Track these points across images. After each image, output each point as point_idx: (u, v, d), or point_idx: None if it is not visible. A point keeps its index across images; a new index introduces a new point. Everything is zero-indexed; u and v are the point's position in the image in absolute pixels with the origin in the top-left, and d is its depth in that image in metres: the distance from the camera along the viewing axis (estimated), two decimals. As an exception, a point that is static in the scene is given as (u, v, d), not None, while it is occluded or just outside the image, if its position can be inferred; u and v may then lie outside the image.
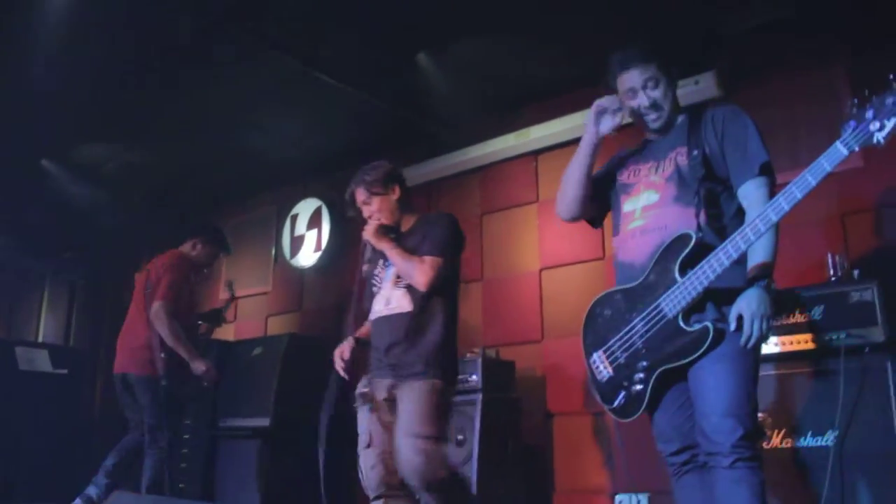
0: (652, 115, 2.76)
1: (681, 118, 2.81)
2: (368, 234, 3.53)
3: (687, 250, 2.49)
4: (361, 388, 3.53)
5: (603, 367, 2.70)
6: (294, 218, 7.17)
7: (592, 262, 5.24)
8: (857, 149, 2.17)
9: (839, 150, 2.19)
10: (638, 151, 2.90)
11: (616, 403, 2.66)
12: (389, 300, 3.46)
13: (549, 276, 5.46)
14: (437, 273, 3.31)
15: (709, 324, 2.45)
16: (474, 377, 4.76)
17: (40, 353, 6.82)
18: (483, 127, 5.86)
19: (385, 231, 3.54)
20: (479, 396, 4.65)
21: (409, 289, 3.40)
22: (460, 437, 4.68)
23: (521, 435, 4.96)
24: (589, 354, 2.77)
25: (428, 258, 3.33)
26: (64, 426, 6.01)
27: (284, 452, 5.54)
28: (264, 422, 5.51)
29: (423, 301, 3.36)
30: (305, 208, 7.06)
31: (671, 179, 2.68)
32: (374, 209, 3.57)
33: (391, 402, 3.35)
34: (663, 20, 4.61)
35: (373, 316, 3.55)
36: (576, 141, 5.22)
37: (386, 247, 3.45)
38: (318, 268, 6.90)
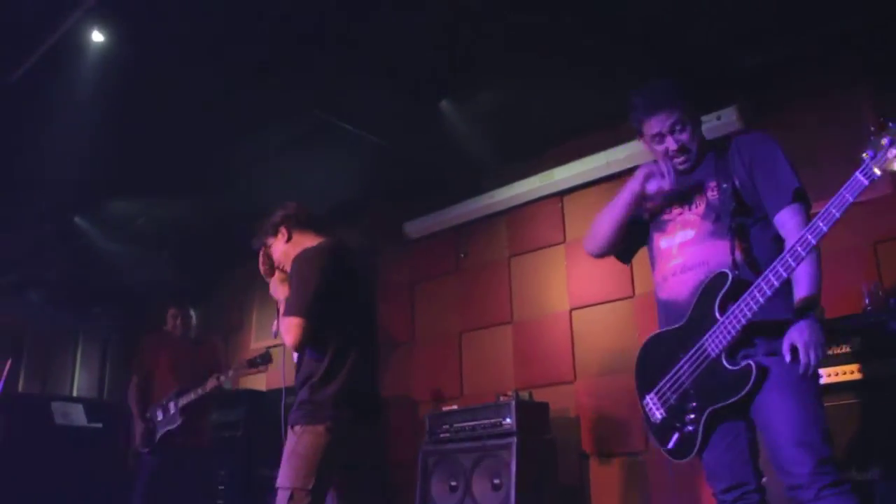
0: (680, 159, 2.75)
1: (709, 152, 2.79)
2: (272, 286, 3.52)
3: (725, 289, 2.48)
4: None
5: (656, 409, 2.68)
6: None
7: (622, 300, 5.23)
8: (876, 177, 2.18)
9: (859, 180, 2.20)
10: (671, 194, 2.86)
11: (671, 445, 2.63)
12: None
13: (579, 316, 5.45)
14: (298, 335, 3.12)
15: (751, 362, 2.41)
16: (508, 420, 4.73)
17: (75, 408, 6.87)
18: (507, 170, 5.91)
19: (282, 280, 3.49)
20: (514, 440, 4.62)
21: None
22: (496, 480, 4.65)
23: (558, 476, 4.91)
24: (642, 397, 2.76)
25: (287, 320, 3.15)
26: (100, 478, 6.01)
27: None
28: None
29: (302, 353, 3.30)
30: (333, 256, 7.09)
31: (706, 217, 2.67)
32: (275, 257, 3.61)
33: None
34: (684, 57, 4.65)
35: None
36: (601, 181, 5.36)
37: (281, 299, 3.37)
38: (347, 315, 6.91)
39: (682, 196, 2.78)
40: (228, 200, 6.71)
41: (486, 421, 4.87)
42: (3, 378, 5.65)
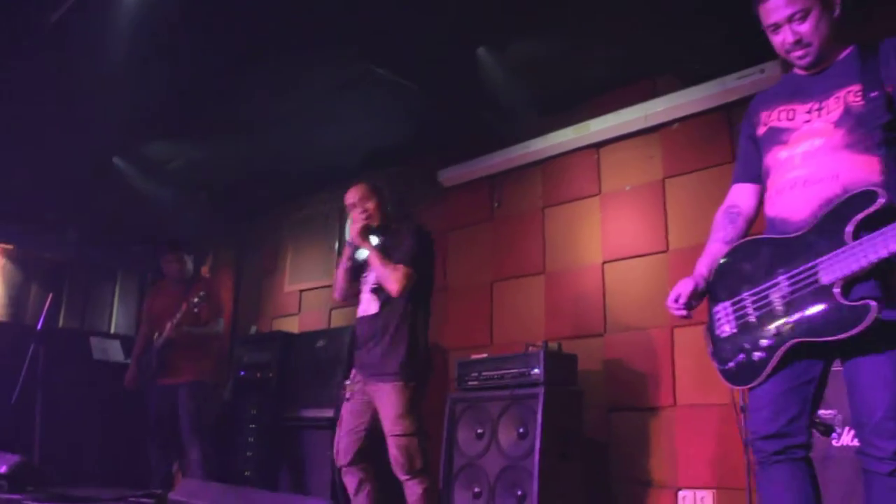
0: (797, 53, 2.39)
1: (847, 51, 2.41)
2: (353, 233, 4.00)
3: (870, 210, 2.10)
4: (349, 381, 4.09)
5: (726, 320, 2.40)
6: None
7: (655, 255, 5.19)
8: None
9: None
10: (786, 89, 2.53)
11: (729, 365, 2.37)
12: (366, 303, 4.04)
13: (611, 269, 5.43)
14: (408, 281, 3.83)
15: (871, 302, 2.05)
16: (537, 370, 4.76)
17: (113, 344, 7.04)
18: (544, 120, 5.85)
19: (369, 233, 4.03)
20: (542, 390, 4.64)
21: (376, 292, 3.98)
22: (522, 429, 4.69)
23: (583, 428, 4.95)
24: (714, 303, 2.47)
25: (401, 267, 3.83)
26: (134, 414, 6.17)
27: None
28: (329, 412, 5.60)
29: (388, 306, 3.93)
30: (368, 202, 7.12)
31: (842, 124, 2.29)
32: (370, 209, 4.08)
33: (364, 398, 3.97)
34: (729, 7, 4.52)
35: (357, 316, 4.12)
36: (636, 133, 5.29)
37: (368, 247, 3.95)
38: (381, 262, 6.96)
39: (808, 98, 2.42)
40: (266, 145, 6.74)
41: (514, 370, 4.90)
42: (45, 312, 5.80)
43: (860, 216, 2.11)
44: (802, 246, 2.23)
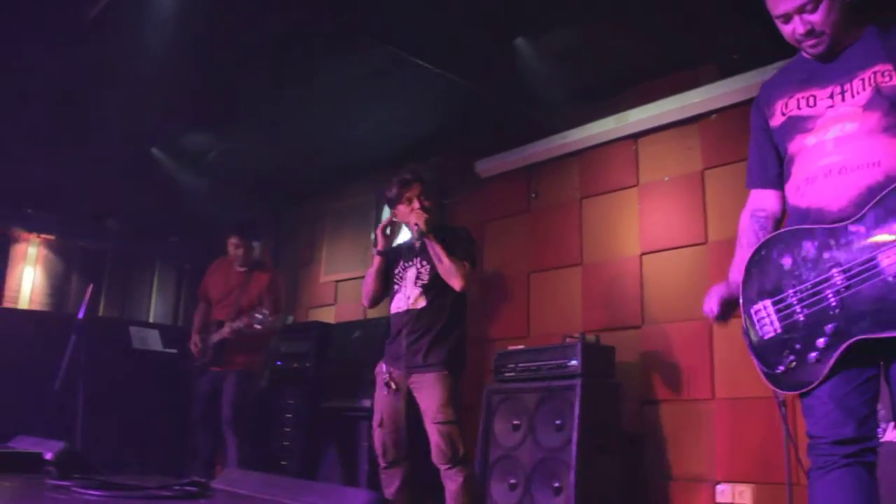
0: (809, 42, 2.29)
1: (865, 31, 2.30)
2: (421, 221, 3.98)
3: None
4: (381, 373, 4.11)
5: (769, 320, 2.24)
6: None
7: (694, 246, 5.14)
8: None
9: None
10: (799, 75, 2.40)
11: (780, 368, 2.20)
12: (410, 297, 4.04)
13: (649, 261, 5.38)
14: (469, 278, 3.97)
15: None
16: (574, 362, 4.74)
17: (152, 333, 7.13)
18: (582, 111, 5.81)
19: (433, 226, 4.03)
20: (579, 381, 4.63)
21: (426, 288, 4.03)
22: (558, 421, 4.68)
23: (620, 421, 4.93)
24: (751, 303, 2.31)
25: (466, 264, 3.98)
26: (175, 403, 6.26)
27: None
28: (366, 403, 5.63)
29: (437, 301, 4.01)
30: (404, 193, 7.12)
31: (873, 106, 2.17)
32: (429, 206, 4.09)
33: (406, 390, 3.98)
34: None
35: (394, 310, 4.14)
36: (675, 124, 5.24)
37: (433, 241, 3.97)
38: (417, 252, 6.97)
39: (828, 82, 2.30)
40: (300, 135, 6.77)
41: (551, 362, 4.89)
42: (86, 302, 5.89)
43: None
44: (854, 237, 2.08)
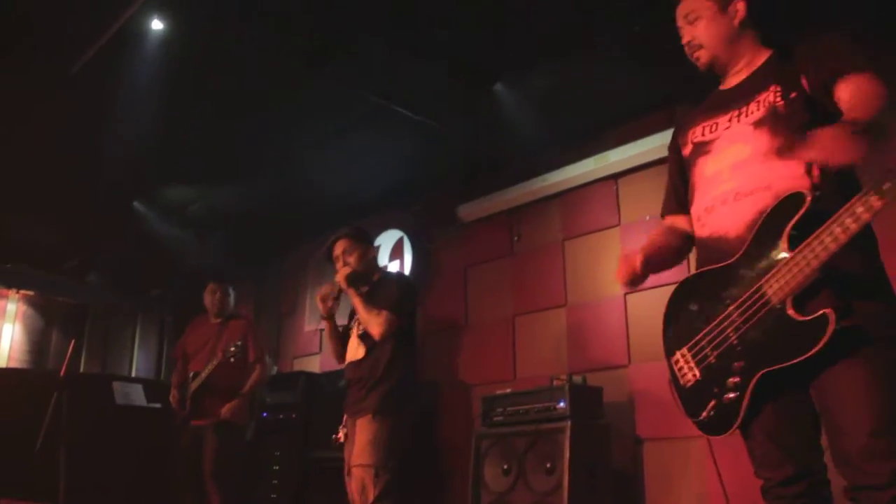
0: (694, 55, 2.38)
1: (766, 55, 2.32)
2: (339, 278, 4.17)
3: (798, 215, 1.93)
4: (342, 425, 4.27)
5: (688, 368, 2.18)
6: (376, 249, 7.25)
7: (677, 284, 5.15)
8: None
9: None
10: (709, 104, 2.41)
11: (704, 415, 2.13)
12: (352, 349, 4.22)
13: (633, 300, 5.40)
14: (388, 328, 4.00)
15: (828, 311, 1.85)
16: (562, 404, 4.72)
17: (135, 388, 7.02)
18: (561, 153, 5.87)
19: (355, 279, 4.20)
20: (568, 423, 4.61)
21: (362, 339, 4.14)
22: (549, 464, 4.64)
23: (611, 461, 4.89)
24: (671, 353, 2.26)
25: (384, 312, 4.02)
26: (160, 458, 6.16)
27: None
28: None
29: (376, 350, 4.07)
30: (387, 239, 7.14)
31: (763, 124, 2.15)
32: (352, 260, 4.25)
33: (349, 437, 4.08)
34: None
35: (347, 362, 4.28)
36: (655, 163, 5.30)
37: (352, 294, 4.13)
38: (401, 298, 6.95)
39: (728, 107, 2.30)
40: (282, 185, 6.80)
41: (539, 405, 4.87)
42: (67, 358, 5.81)
43: (792, 223, 1.95)
44: (743, 268, 2.06)
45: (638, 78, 5.07)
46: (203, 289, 5.95)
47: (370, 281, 4.34)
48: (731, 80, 2.37)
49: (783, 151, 2.05)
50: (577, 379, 4.95)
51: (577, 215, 5.87)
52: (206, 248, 7.80)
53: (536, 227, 6.11)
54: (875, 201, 1.76)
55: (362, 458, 3.89)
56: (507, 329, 6.10)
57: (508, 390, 5.24)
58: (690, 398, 2.19)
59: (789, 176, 2.04)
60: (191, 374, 5.68)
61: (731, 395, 2.05)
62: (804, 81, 2.12)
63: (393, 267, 7.03)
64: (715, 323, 2.11)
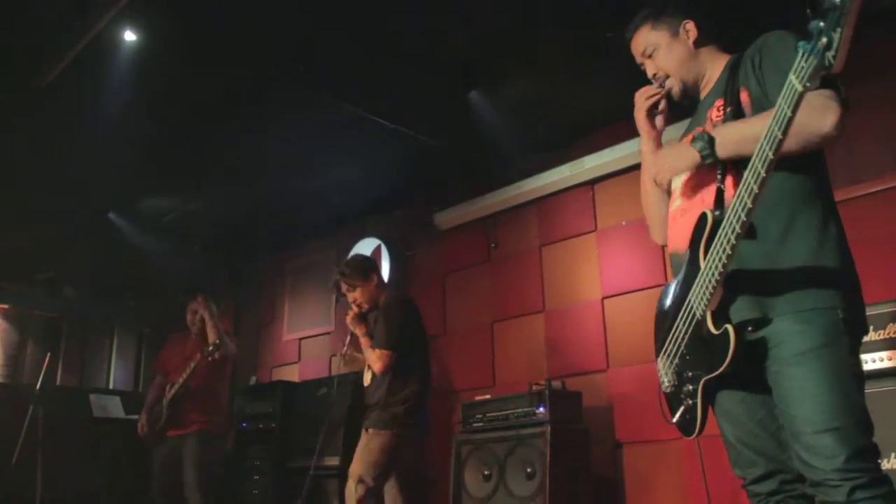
0: (665, 88, 2.39)
1: (726, 62, 2.33)
2: (348, 321, 4.48)
3: (705, 234, 2.01)
4: None
5: (664, 373, 2.27)
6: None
7: (654, 288, 5.20)
8: (812, 79, 1.59)
9: (794, 85, 1.62)
10: (693, 118, 2.43)
11: (676, 418, 2.23)
12: (366, 374, 4.50)
13: (611, 305, 5.44)
14: (386, 363, 4.24)
15: (728, 326, 1.93)
16: (541, 409, 4.74)
17: (113, 400, 6.97)
18: (538, 159, 5.90)
19: (362, 318, 4.49)
20: (548, 428, 4.63)
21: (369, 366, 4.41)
22: (529, 469, 4.66)
23: (591, 465, 4.92)
24: (656, 360, 2.35)
25: (377, 351, 4.26)
26: (139, 471, 6.11)
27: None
28: (334, 460, 5.57)
29: (383, 377, 4.31)
30: (365, 248, 7.13)
31: None
32: (356, 297, 4.49)
33: None
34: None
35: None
36: (630, 168, 5.33)
37: (360, 334, 4.43)
38: (380, 306, 6.95)
39: (695, 124, 2.34)
40: (259, 195, 6.79)
41: (519, 410, 4.89)
42: (43, 372, 5.76)
43: (703, 241, 2.02)
44: (684, 283, 2.14)
45: (611, 84, 5.11)
46: (181, 300, 5.91)
47: (377, 306, 4.54)
48: (703, 94, 2.39)
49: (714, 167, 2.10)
50: (556, 384, 4.97)
51: (553, 221, 5.90)
52: (184, 259, 7.76)
53: (513, 234, 6.14)
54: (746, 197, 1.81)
55: (353, 468, 4.19)
56: (486, 335, 6.12)
57: (488, 396, 5.25)
58: (669, 401, 2.28)
59: (714, 189, 2.09)
60: (168, 385, 5.62)
61: (691, 400, 2.13)
62: (743, 94, 2.13)
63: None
64: (672, 333, 2.19)
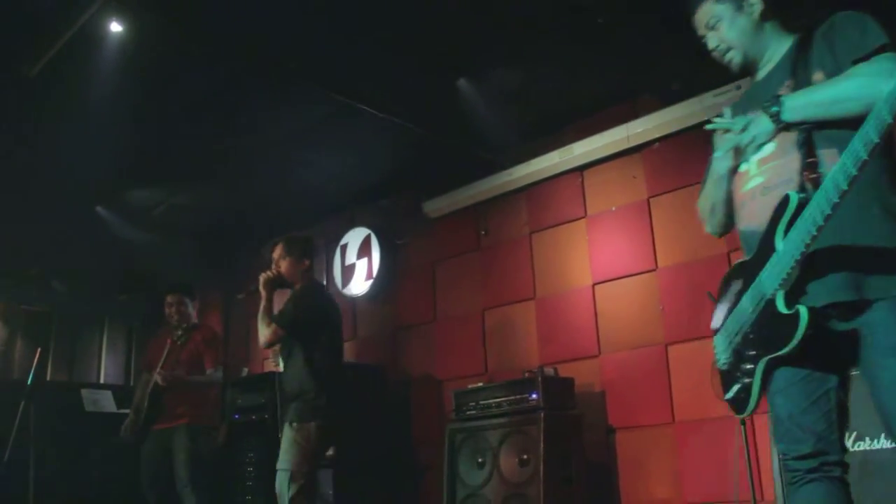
0: (726, 57, 2.41)
1: (788, 44, 2.35)
2: (262, 278, 4.43)
3: (787, 217, 2.03)
4: None
5: (722, 351, 2.35)
6: (344, 248, 7.24)
7: (645, 273, 5.23)
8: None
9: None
10: (746, 100, 2.46)
11: (729, 395, 2.30)
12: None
13: (602, 291, 5.45)
14: (270, 338, 4.25)
15: (801, 307, 1.97)
16: (534, 396, 4.76)
17: (104, 395, 6.94)
18: (527, 146, 5.90)
19: (275, 285, 4.45)
20: (541, 415, 4.65)
21: (279, 353, 4.51)
22: (525, 456, 4.68)
23: (585, 451, 4.94)
24: (714, 335, 2.43)
25: (272, 325, 4.25)
26: (131, 466, 6.09)
27: (351, 480, 5.59)
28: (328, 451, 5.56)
29: (289, 364, 4.34)
30: (354, 237, 7.13)
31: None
32: (282, 266, 4.49)
33: None
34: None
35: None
36: (620, 154, 5.35)
37: (262, 298, 4.37)
38: (371, 296, 6.96)
39: (756, 102, 2.32)
40: (248, 185, 6.75)
41: (512, 397, 4.91)
42: (33, 367, 5.72)
43: (782, 223, 2.05)
44: (754, 264, 2.18)
45: (600, 70, 5.11)
46: (167, 294, 5.88)
47: (290, 288, 4.53)
48: (761, 73, 2.41)
49: (799, 146, 2.12)
50: (549, 371, 5.00)
51: (543, 208, 5.91)
52: (173, 251, 7.72)
53: (503, 221, 6.14)
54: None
55: (280, 463, 4.11)
56: (477, 323, 6.13)
57: (480, 384, 5.27)
58: (724, 378, 2.34)
59: (804, 169, 2.10)
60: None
61: (748, 379, 2.19)
62: (817, 76, 2.16)
63: (361, 265, 7.02)
64: (736, 311, 2.26)
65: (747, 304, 2.18)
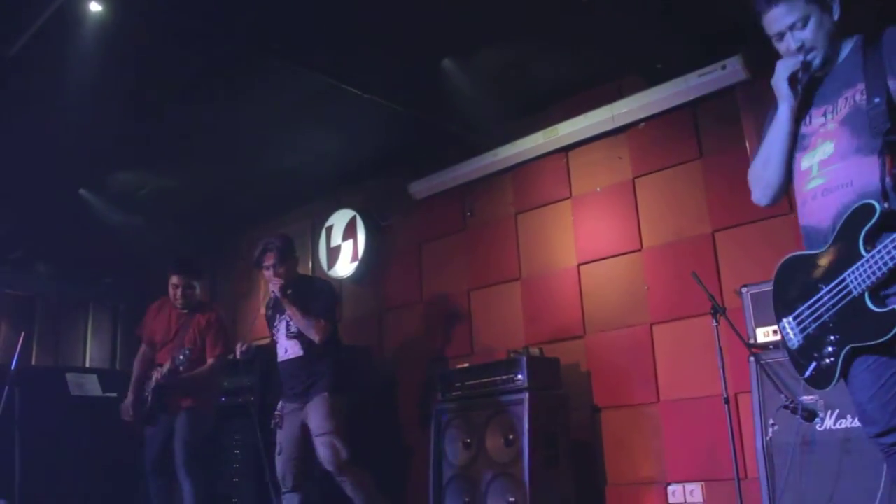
0: (807, 59, 2.42)
1: (851, 43, 2.44)
2: (277, 290, 4.63)
3: (870, 224, 2.21)
4: (277, 411, 4.77)
5: (793, 334, 2.51)
6: (329, 230, 7.22)
7: (630, 254, 5.24)
8: None
9: None
10: (809, 92, 2.52)
11: (808, 373, 2.48)
12: (287, 348, 4.71)
13: (587, 271, 5.46)
14: (326, 332, 4.57)
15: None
16: (520, 376, 4.78)
17: (90, 378, 6.92)
18: (512, 127, 5.88)
19: (287, 289, 4.63)
20: (526, 395, 4.67)
21: (299, 337, 4.64)
22: (510, 436, 4.70)
23: (570, 430, 4.97)
24: (779, 319, 2.58)
25: (321, 320, 4.57)
26: (119, 450, 6.09)
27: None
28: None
29: (312, 346, 4.59)
30: (340, 219, 7.11)
31: (846, 123, 2.35)
32: (281, 272, 4.69)
33: (298, 423, 4.60)
34: (688, 5, 4.56)
35: (278, 360, 4.80)
36: (605, 135, 5.34)
37: (287, 304, 4.59)
38: (356, 277, 6.95)
39: (822, 101, 2.46)
40: (232, 167, 6.72)
41: (497, 377, 4.93)
42: (17, 352, 5.69)
43: (865, 229, 2.22)
44: (831, 260, 2.35)
45: (585, 51, 5.09)
46: (157, 274, 5.80)
47: (295, 284, 4.76)
48: (822, 72, 2.47)
49: (861, 151, 2.27)
50: (534, 351, 5.01)
51: (528, 189, 5.90)
52: (158, 233, 7.68)
53: (488, 202, 6.13)
54: None
55: (326, 427, 4.43)
56: (463, 304, 6.14)
57: (466, 365, 5.28)
58: (796, 358, 2.52)
59: (866, 173, 2.26)
60: (156, 368, 5.50)
61: (828, 360, 2.39)
62: (892, 82, 2.25)
63: (347, 246, 7.01)
64: (812, 301, 2.41)
65: (827, 297, 2.35)
